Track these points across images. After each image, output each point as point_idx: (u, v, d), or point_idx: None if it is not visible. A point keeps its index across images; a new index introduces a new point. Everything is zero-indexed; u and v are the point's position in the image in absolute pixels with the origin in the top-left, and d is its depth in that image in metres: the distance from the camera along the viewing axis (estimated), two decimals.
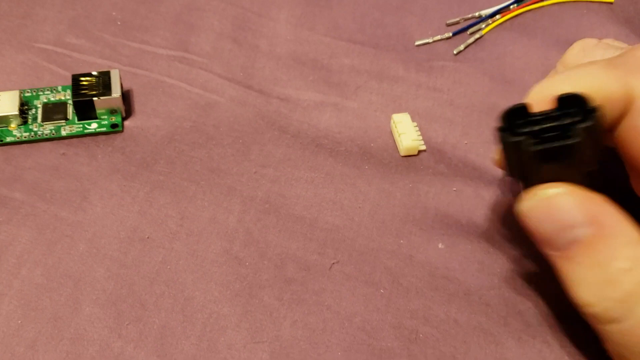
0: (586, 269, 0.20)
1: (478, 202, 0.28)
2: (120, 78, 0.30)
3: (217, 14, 0.36)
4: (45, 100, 0.30)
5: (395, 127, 0.30)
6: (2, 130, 0.29)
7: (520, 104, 0.21)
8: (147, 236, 0.26)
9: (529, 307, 0.25)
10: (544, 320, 0.25)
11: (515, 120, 0.21)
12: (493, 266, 0.26)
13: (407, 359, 0.23)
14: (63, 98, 0.31)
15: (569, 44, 0.33)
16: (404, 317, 0.24)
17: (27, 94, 0.31)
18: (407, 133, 0.30)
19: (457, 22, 0.36)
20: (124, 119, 0.30)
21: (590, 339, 0.24)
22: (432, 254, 0.26)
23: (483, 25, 0.36)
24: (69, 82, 0.30)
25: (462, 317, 0.25)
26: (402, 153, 0.30)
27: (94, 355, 0.23)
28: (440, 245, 0.27)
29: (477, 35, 0.35)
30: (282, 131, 0.31)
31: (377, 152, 0.30)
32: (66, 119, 0.30)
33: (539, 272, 0.26)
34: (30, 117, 0.30)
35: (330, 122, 0.31)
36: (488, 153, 0.30)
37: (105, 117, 0.30)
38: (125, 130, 0.30)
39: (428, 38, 0.35)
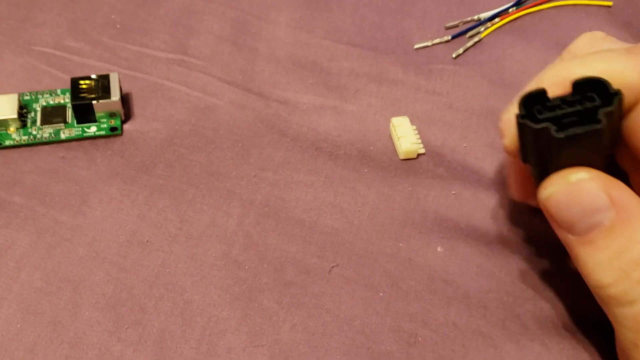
0: (607, 252, 0.20)
1: (477, 205, 0.28)
2: (120, 81, 0.30)
3: (216, 17, 0.36)
4: (44, 104, 0.30)
5: (395, 130, 0.30)
6: (1, 134, 0.29)
7: (538, 89, 0.21)
8: (146, 240, 0.26)
9: (528, 311, 0.25)
10: (542, 323, 0.25)
11: (533, 105, 0.21)
12: (492, 270, 0.26)
13: None
14: (62, 101, 0.31)
15: (563, 46, 0.33)
16: (403, 321, 0.25)
17: (26, 98, 0.31)
18: (406, 136, 0.30)
19: (456, 26, 0.36)
20: (123, 122, 0.30)
21: (589, 343, 0.24)
22: (431, 257, 0.26)
23: (482, 29, 0.36)
24: (68, 85, 0.30)
25: (461, 321, 0.25)
26: (401, 156, 0.30)
27: (94, 359, 0.23)
28: (439, 249, 0.27)
29: (476, 39, 0.35)
30: (282, 134, 0.31)
31: (377, 156, 0.30)
32: (65, 122, 0.30)
33: (537, 276, 0.26)
34: (29, 120, 0.30)
35: (330, 126, 0.31)
36: (487, 156, 0.30)
37: (105, 120, 0.30)
38: (124, 133, 0.30)
39: (427, 41, 0.35)
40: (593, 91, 0.20)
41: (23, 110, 0.30)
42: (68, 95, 0.31)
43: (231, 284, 0.25)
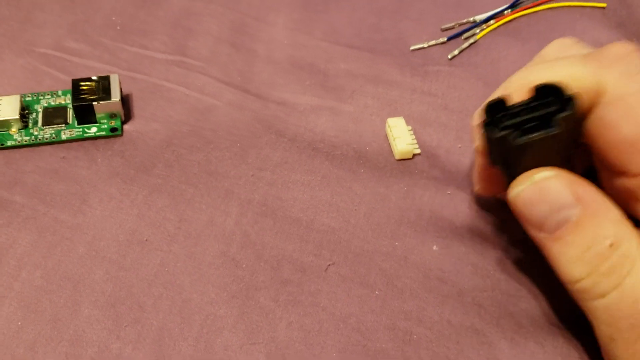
0: (575, 247, 0.21)
1: (472, 205, 0.29)
2: (120, 82, 0.31)
3: (215, 18, 0.36)
4: (45, 105, 0.31)
5: (390, 131, 0.30)
6: (2, 134, 0.29)
7: (499, 97, 0.22)
8: (145, 239, 0.27)
9: (522, 309, 0.25)
10: (536, 321, 0.25)
11: (496, 113, 0.22)
12: (486, 268, 0.27)
13: (401, 359, 0.24)
14: (63, 102, 0.31)
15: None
16: (398, 318, 0.25)
17: (27, 99, 0.31)
18: (401, 137, 0.30)
19: (452, 27, 0.37)
20: (123, 123, 0.31)
21: (582, 341, 0.24)
22: (427, 255, 0.27)
23: (477, 30, 0.36)
24: (69, 86, 0.31)
25: (456, 318, 0.25)
26: (397, 157, 0.30)
27: (93, 357, 0.23)
28: (434, 247, 0.27)
29: (471, 40, 0.36)
30: (279, 135, 0.31)
31: (373, 156, 0.30)
32: (66, 123, 0.30)
33: (531, 274, 0.26)
34: (30, 121, 0.30)
35: (327, 126, 0.31)
36: None
37: (105, 121, 0.30)
38: (124, 134, 0.30)
39: (423, 43, 0.36)
40: (553, 96, 0.21)
41: (25, 111, 0.30)
42: (69, 96, 0.31)
43: (229, 282, 0.25)
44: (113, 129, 0.30)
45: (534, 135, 0.21)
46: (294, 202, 0.28)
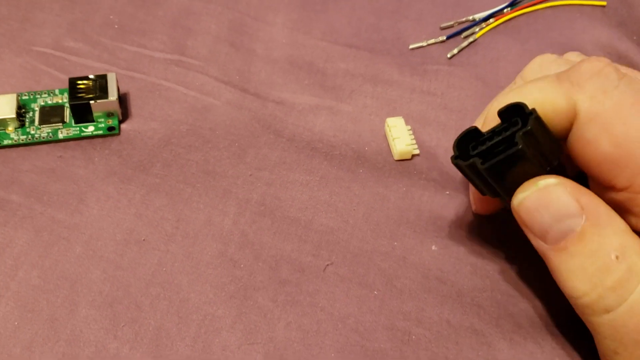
0: (580, 259, 0.20)
1: (471, 205, 0.28)
2: (117, 81, 0.30)
3: (213, 17, 0.36)
4: (42, 104, 0.31)
5: (390, 131, 0.30)
6: None
7: (469, 128, 0.23)
8: (143, 238, 0.26)
9: (521, 309, 0.25)
10: (535, 322, 0.25)
11: (469, 143, 0.23)
12: (485, 268, 0.26)
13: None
14: (60, 101, 0.31)
15: (562, 47, 0.33)
16: (397, 319, 0.25)
17: (24, 97, 0.31)
18: (400, 137, 0.30)
19: (451, 26, 0.37)
20: (120, 122, 0.31)
21: (581, 342, 0.24)
22: (426, 256, 0.27)
23: (477, 29, 0.36)
24: (67, 85, 0.31)
25: (455, 319, 0.25)
26: (396, 157, 0.30)
27: (90, 357, 0.23)
28: (433, 248, 0.27)
29: (471, 39, 0.36)
30: (278, 134, 0.31)
31: (372, 156, 0.30)
32: (63, 122, 0.30)
33: (530, 275, 0.26)
34: (27, 120, 0.30)
35: (325, 126, 0.31)
36: None
37: (102, 120, 0.30)
38: (122, 133, 0.30)
39: (422, 42, 0.35)
40: (518, 116, 0.21)
41: (21, 110, 0.30)
42: (66, 95, 0.31)
43: (227, 282, 0.25)
44: (110, 128, 0.30)
45: (499, 156, 0.21)
46: (292, 202, 0.28)
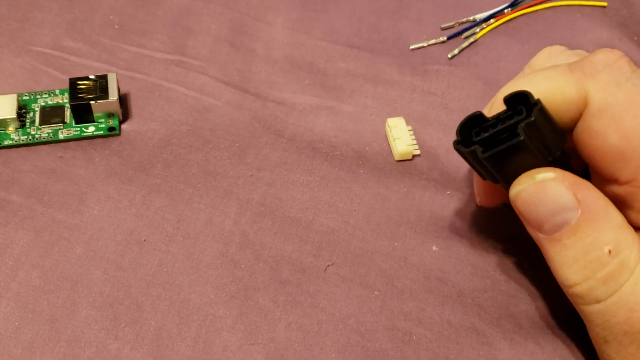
0: (573, 251, 0.21)
1: (471, 205, 0.28)
2: (118, 82, 0.30)
3: (214, 17, 0.36)
4: (43, 104, 0.31)
5: (390, 131, 0.30)
6: (0, 134, 0.29)
7: (474, 113, 0.22)
8: (143, 239, 0.26)
9: (522, 310, 0.25)
10: (536, 322, 0.25)
11: (473, 129, 0.22)
12: (486, 269, 0.26)
13: None
14: (61, 101, 0.31)
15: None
16: (397, 319, 0.25)
17: (24, 98, 0.31)
18: (401, 138, 0.30)
19: (452, 26, 0.37)
20: (121, 122, 0.31)
21: (582, 342, 0.24)
22: (426, 256, 0.27)
23: (477, 29, 0.36)
24: (67, 85, 0.31)
25: (455, 319, 0.25)
26: (397, 158, 0.30)
27: (91, 357, 0.23)
28: (434, 248, 0.27)
29: (471, 39, 0.36)
30: (278, 135, 0.31)
31: (372, 156, 0.30)
32: (64, 122, 0.30)
33: (531, 275, 0.26)
34: (28, 120, 0.30)
35: (326, 126, 0.31)
36: None
37: (103, 120, 0.30)
38: (122, 133, 0.30)
39: (423, 42, 0.35)
40: (523, 104, 0.21)
41: (22, 110, 0.30)
42: (66, 95, 0.31)
43: (227, 282, 0.25)
44: (111, 129, 0.30)
45: (497, 146, 0.21)
46: (293, 202, 0.28)
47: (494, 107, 0.23)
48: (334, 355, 0.24)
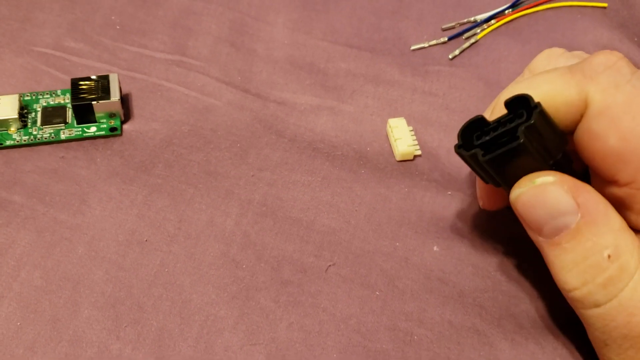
0: (573, 255, 0.21)
1: (473, 205, 0.29)
2: (119, 82, 0.30)
3: (214, 18, 0.36)
4: (44, 104, 0.31)
5: (391, 132, 0.30)
6: (1, 134, 0.29)
7: (475, 117, 0.22)
8: (145, 239, 0.27)
9: (522, 310, 0.25)
10: (537, 322, 0.25)
11: (474, 133, 0.22)
12: (487, 269, 0.26)
13: None
14: (62, 102, 0.31)
15: (563, 48, 0.33)
16: (399, 319, 0.25)
17: (26, 98, 0.31)
18: (402, 138, 0.30)
19: (453, 27, 0.37)
20: (122, 122, 0.31)
21: (582, 342, 0.24)
22: (427, 256, 0.27)
23: (478, 30, 0.36)
24: (68, 86, 0.31)
25: (457, 319, 0.25)
26: (398, 158, 0.30)
27: (93, 357, 0.23)
28: (435, 248, 0.27)
29: (472, 40, 0.36)
30: (279, 135, 0.31)
31: (373, 157, 0.30)
32: (65, 122, 0.30)
33: (532, 276, 0.26)
34: (29, 120, 0.30)
35: (327, 126, 0.31)
36: None
37: (104, 120, 0.30)
38: (123, 134, 0.30)
39: (424, 42, 0.36)
40: (523, 108, 0.21)
41: (24, 111, 0.30)
42: (68, 95, 0.31)
43: (229, 282, 0.25)
44: (112, 129, 0.30)
45: (497, 150, 0.21)
46: (294, 202, 0.28)
47: (495, 110, 0.23)
48: (335, 355, 0.24)
